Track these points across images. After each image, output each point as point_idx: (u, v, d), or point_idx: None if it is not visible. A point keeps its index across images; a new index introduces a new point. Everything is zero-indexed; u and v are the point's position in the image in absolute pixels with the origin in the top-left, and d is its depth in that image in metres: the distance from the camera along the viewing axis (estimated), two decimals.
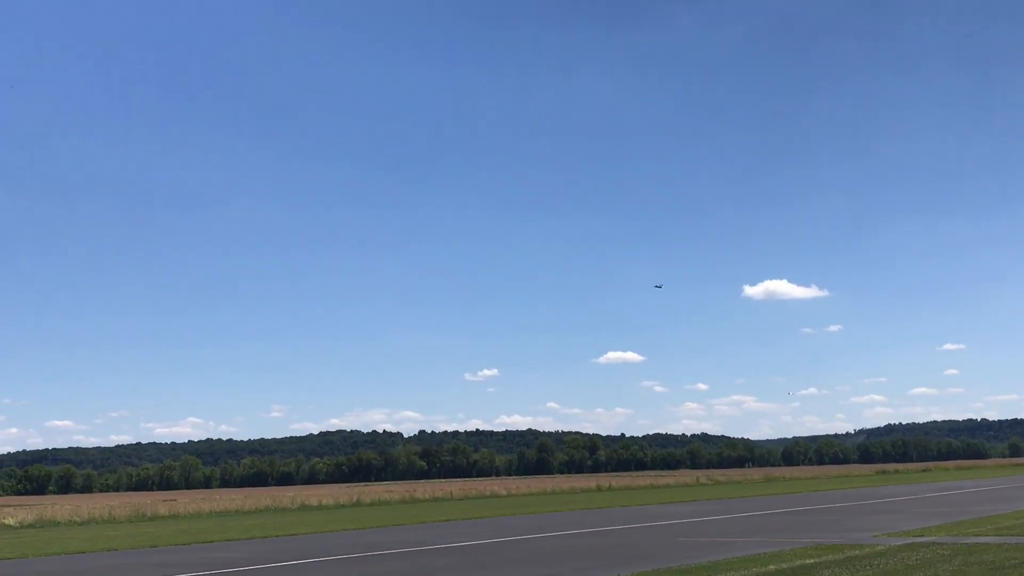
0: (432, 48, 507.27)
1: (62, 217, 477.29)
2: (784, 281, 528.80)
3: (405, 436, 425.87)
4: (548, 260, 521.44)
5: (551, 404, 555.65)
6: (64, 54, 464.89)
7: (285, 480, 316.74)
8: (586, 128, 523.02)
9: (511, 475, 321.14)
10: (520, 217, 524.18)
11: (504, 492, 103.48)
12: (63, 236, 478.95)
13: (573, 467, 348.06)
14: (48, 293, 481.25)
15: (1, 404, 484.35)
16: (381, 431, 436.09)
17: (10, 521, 64.54)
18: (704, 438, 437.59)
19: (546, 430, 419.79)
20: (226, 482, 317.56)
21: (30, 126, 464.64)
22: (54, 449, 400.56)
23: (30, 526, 63.15)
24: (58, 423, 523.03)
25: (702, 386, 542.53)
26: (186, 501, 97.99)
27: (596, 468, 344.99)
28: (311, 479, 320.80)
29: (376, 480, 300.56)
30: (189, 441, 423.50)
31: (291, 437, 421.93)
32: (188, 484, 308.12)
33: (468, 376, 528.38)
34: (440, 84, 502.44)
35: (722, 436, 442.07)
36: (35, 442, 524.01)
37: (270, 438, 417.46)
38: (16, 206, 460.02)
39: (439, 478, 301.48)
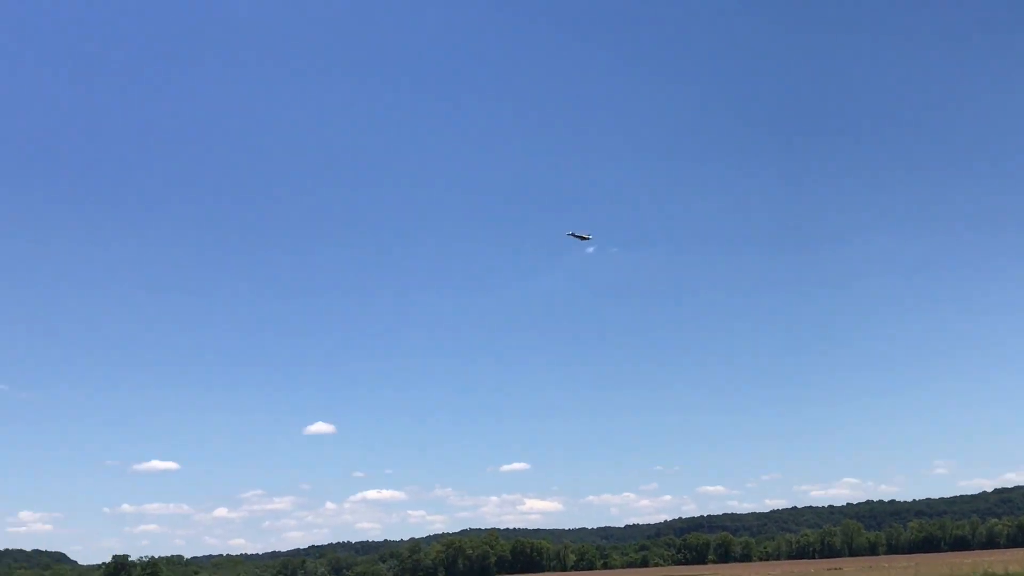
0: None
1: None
2: None
3: None
4: None
5: None
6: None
7: (959, 544, 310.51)
8: None
9: None
10: None
11: None
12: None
13: None
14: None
15: (653, 471, 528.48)
16: None
17: None
18: None
19: None
20: (892, 547, 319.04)
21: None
22: (708, 516, 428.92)
23: None
24: (710, 489, 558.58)
25: None
26: (853, 570, 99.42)
27: None
28: (990, 543, 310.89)
29: None
30: (847, 504, 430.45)
31: (961, 496, 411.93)
32: (851, 551, 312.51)
33: None
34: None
35: None
36: (689, 509, 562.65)
37: (937, 498, 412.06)
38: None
39: None
